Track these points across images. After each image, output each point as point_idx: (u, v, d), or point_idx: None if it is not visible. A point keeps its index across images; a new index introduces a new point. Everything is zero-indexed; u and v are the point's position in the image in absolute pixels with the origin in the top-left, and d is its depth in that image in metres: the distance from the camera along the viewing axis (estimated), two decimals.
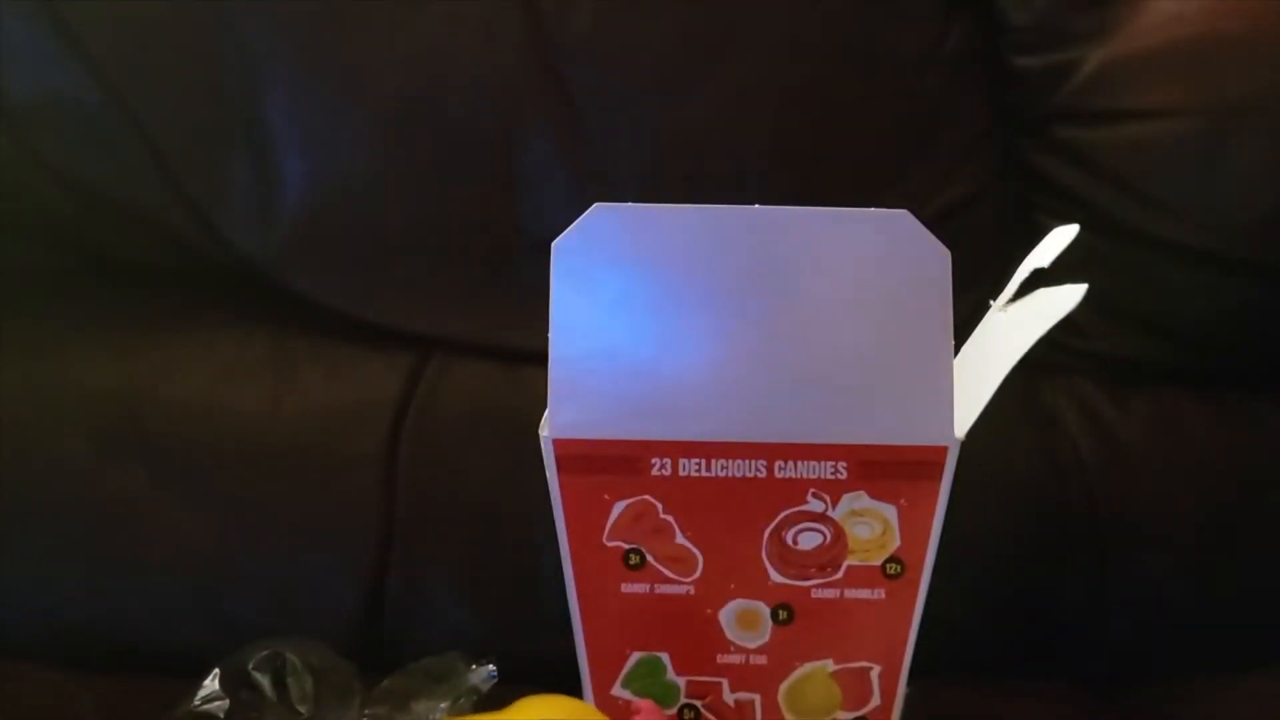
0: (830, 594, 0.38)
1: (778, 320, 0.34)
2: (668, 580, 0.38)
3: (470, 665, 0.44)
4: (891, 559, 0.37)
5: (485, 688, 0.43)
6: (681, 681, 0.41)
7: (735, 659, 0.40)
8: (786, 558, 0.37)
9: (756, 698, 0.41)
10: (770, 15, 0.56)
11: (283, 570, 0.55)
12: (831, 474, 0.35)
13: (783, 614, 0.39)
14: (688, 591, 0.38)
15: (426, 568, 0.56)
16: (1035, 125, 0.59)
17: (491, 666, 0.44)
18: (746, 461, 0.35)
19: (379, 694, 0.44)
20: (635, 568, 0.38)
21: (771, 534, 0.37)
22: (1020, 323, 0.37)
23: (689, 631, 0.39)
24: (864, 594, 0.38)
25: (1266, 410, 0.60)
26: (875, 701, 0.41)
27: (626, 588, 0.38)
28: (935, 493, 0.36)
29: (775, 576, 0.38)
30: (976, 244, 0.58)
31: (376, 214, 0.56)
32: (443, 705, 0.42)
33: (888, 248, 0.34)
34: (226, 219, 0.56)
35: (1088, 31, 0.57)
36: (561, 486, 0.36)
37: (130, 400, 0.56)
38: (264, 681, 0.42)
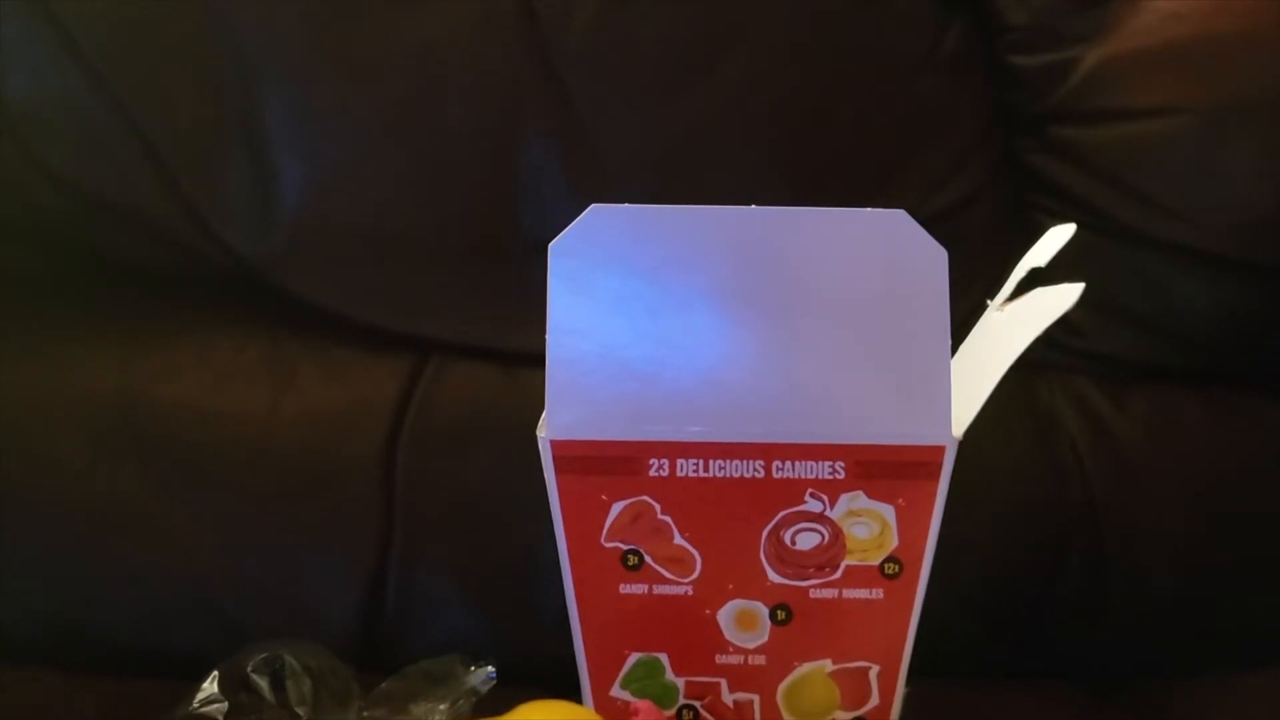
0: (828, 594, 0.38)
1: (775, 320, 0.34)
2: (666, 581, 0.38)
3: (469, 667, 0.44)
4: (890, 559, 0.37)
5: (484, 689, 0.43)
6: (680, 682, 0.41)
7: (734, 659, 0.40)
8: (785, 558, 0.37)
9: (755, 698, 0.41)
10: (769, 16, 0.56)
11: (281, 572, 0.55)
12: (829, 474, 0.35)
13: (781, 614, 0.39)
14: (686, 592, 0.38)
15: (425, 570, 0.56)
16: (1033, 125, 0.59)
17: (490, 668, 0.44)
18: (744, 462, 0.35)
19: (377, 696, 0.43)
20: (634, 568, 0.38)
21: (770, 534, 0.37)
22: (1018, 322, 0.37)
23: (687, 632, 0.39)
24: (862, 594, 0.38)
25: (1264, 408, 0.60)
26: (874, 701, 0.41)
27: (625, 588, 0.38)
28: (933, 492, 0.36)
29: (773, 576, 0.38)
30: (974, 243, 0.58)
31: (374, 215, 0.56)
32: (441, 707, 0.42)
33: (885, 248, 0.34)
34: (224, 220, 0.56)
35: (1085, 31, 0.57)
36: (559, 487, 0.36)
37: (128, 402, 0.56)
38: (262, 684, 0.42)
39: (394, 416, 0.57)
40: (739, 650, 0.40)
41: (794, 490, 0.36)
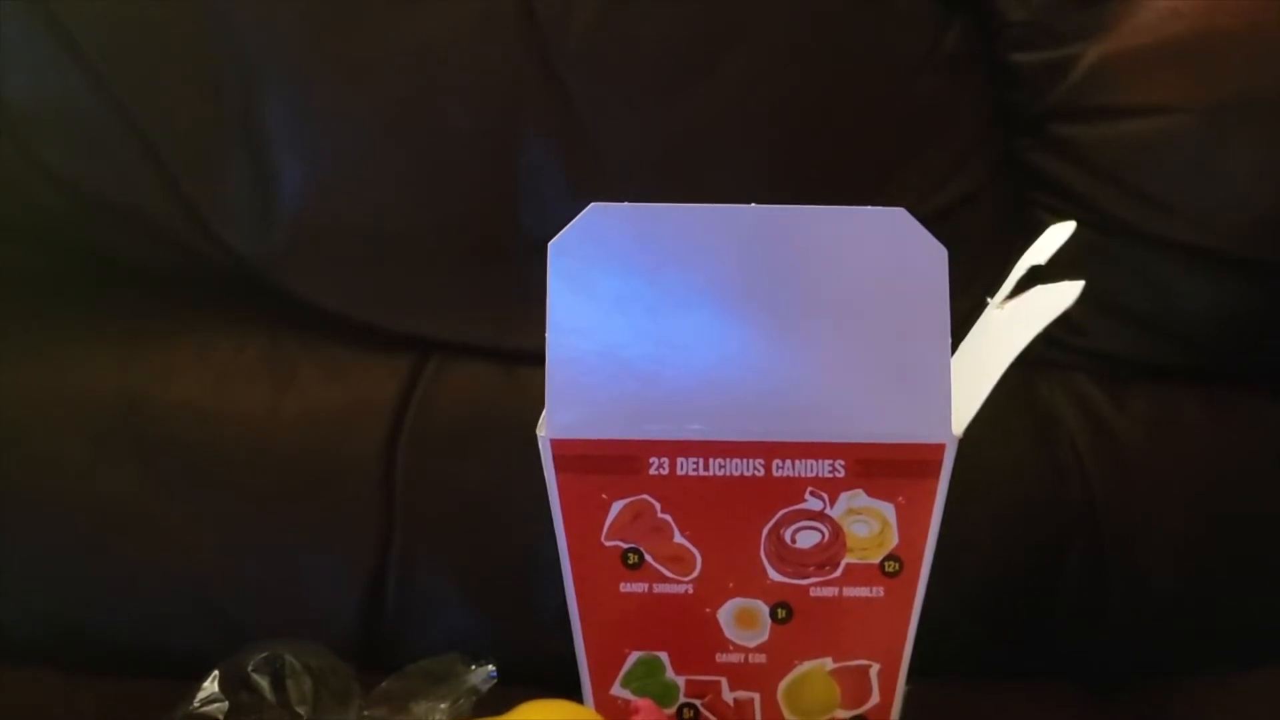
0: (829, 592, 0.38)
1: (775, 319, 0.34)
2: (666, 579, 0.38)
3: (470, 666, 0.44)
4: (890, 557, 0.37)
5: (485, 688, 0.43)
6: (681, 680, 0.41)
7: (734, 658, 0.40)
8: (785, 556, 0.37)
9: (756, 696, 0.41)
10: (769, 16, 0.56)
11: (282, 572, 0.55)
12: (829, 472, 0.35)
13: (781, 612, 0.39)
14: (686, 590, 0.38)
15: (426, 568, 0.56)
16: (1033, 123, 0.59)
17: (491, 667, 0.44)
18: (744, 460, 0.35)
19: (378, 695, 0.43)
20: (634, 567, 0.38)
21: (770, 532, 0.37)
22: (1018, 320, 0.37)
23: (688, 630, 0.39)
24: (862, 592, 0.38)
25: (1264, 406, 0.60)
26: (874, 699, 0.41)
27: (625, 587, 0.38)
28: (933, 491, 0.36)
29: (774, 575, 0.38)
30: (974, 242, 0.58)
31: (374, 215, 0.56)
32: (442, 706, 0.42)
33: (885, 246, 0.34)
34: (223, 220, 0.56)
35: (1085, 28, 0.57)
36: (560, 486, 0.36)
37: (128, 402, 0.56)
38: (263, 683, 0.42)
39: (394, 416, 0.57)
40: (739, 649, 0.40)
41: (794, 488, 0.36)
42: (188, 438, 0.56)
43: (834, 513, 0.36)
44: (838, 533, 0.37)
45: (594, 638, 0.40)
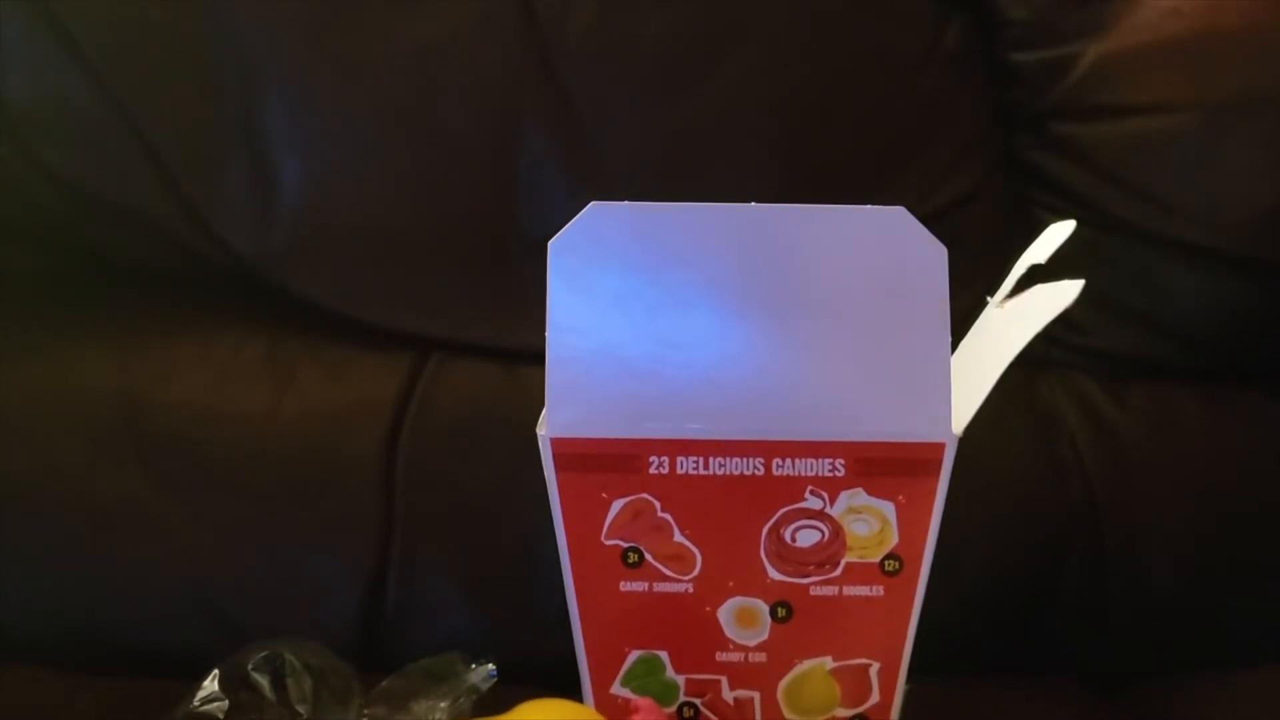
0: (829, 591, 0.38)
1: (775, 318, 0.34)
2: (666, 578, 0.38)
3: (470, 665, 0.44)
4: (890, 556, 0.37)
5: (485, 687, 0.43)
6: (681, 679, 0.41)
7: (734, 657, 0.40)
8: (785, 555, 0.37)
9: (756, 695, 0.41)
10: (769, 16, 0.56)
11: (282, 571, 0.55)
12: (829, 471, 0.35)
13: (781, 611, 0.39)
14: (686, 589, 0.38)
15: (426, 568, 0.56)
16: (1033, 122, 0.59)
17: (491, 666, 0.44)
18: (744, 459, 0.35)
19: (378, 694, 0.43)
20: (634, 566, 0.38)
21: (770, 531, 0.37)
22: (1018, 319, 0.37)
23: (688, 629, 0.39)
24: (863, 591, 0.38)
25: (1264, 404, 0.60)
26: (874, 698, 0.41)
27: (625, 586, 0.38)
28: (933, 489, 0.36)
29: (774, 574, 0.38)
30: (974, 240, 0.58)
31: (374, 214, 0.57)
32: (442, 705, 0.42)
33: (885, 245, 0.34)
34: (224, 220, 0.56)
35: (1084, 27, 0.57)
36: (560, 485, 0.36)
37: (128, 402, 0.56)
38: (263, 682, 0.42)
39: (394, 416, 0.57)
40: (739, 648, 0.40)
41: (794, 487, 0.36)
42: (188, 438, 0.56)
43: (834, 511, 0.36)
44: (838, 531, 0.37)
45: (594, 637, 0.40)
